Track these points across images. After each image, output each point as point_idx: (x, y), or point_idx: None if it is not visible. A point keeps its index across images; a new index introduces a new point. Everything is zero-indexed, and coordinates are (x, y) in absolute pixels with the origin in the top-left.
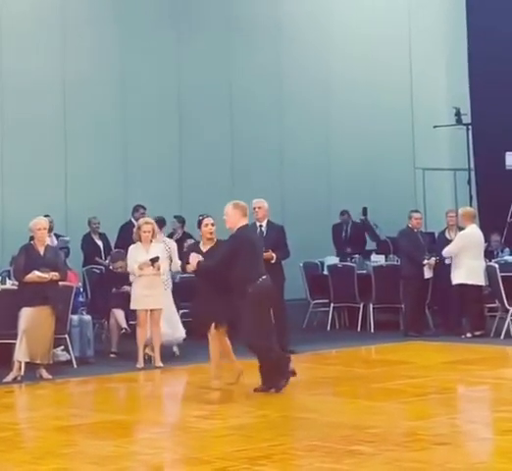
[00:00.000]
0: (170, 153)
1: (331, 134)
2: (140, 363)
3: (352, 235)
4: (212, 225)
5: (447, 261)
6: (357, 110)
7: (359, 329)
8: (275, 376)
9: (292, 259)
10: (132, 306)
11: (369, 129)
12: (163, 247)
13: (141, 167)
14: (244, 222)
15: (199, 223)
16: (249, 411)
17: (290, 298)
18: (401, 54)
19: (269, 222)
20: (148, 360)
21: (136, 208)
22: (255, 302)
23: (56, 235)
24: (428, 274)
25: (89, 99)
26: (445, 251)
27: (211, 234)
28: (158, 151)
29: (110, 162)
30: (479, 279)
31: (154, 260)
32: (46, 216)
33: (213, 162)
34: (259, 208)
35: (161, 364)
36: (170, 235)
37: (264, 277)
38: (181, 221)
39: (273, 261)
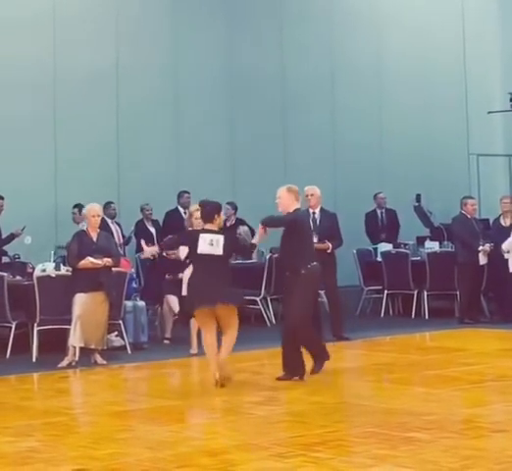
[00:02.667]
0: (221, 141)
1: (384, 121)
2: (194, 349)
3: (387, 221)
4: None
5: (506, 256)
6: (411, 97)
7: (413, 316)
8: (299, 364)
9: (345, 246)
10: (185, 292)
11: (423, 115)
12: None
13: (192, 153)
14: (297, 206)
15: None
16: (304, 398)
17: (344, 285)
18: (455, 39)
19: (322, 209)
20: (201, 346)
21: (181, 194)
22: (308, 284)
23: (117, 222)
24: (483, 260)
25: (141, 86)
26: (509, 243)
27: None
28: (211, 138)
29: (161, 149)
30: None
31: None
32: (110, 203)
33: (265, 150)
34: (311, 195)
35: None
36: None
37: (315, 263)
38: (234, 207)
39: (329, 251)
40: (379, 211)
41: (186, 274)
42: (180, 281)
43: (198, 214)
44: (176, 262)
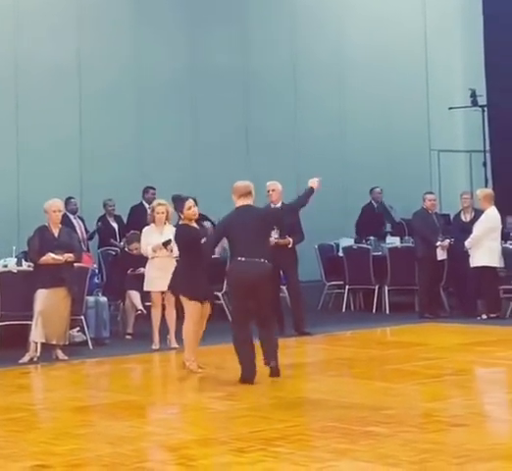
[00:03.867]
0: (184, 134)
1: (346, 113)
2: (156, 344)
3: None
4: (194, 206)
5: (469, 252)
6: (372, 91)
7: (374, 311)
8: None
9: (307, 241)
10: (146, 288)
11: (384, 110)
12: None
13: (156, 147)
14: (240, 203)
15: (180, 206)
16: (264, 392)
17: (305, 280)
18: (417, 33)
19: (283, 204)
20: (163, 341)
21: (146, 190)
22: (227, 282)
23: (80, 217)
24: (441, 255)
25: (104, 79)
26: (471, 239)
27: (195, 215)
28: (175, 132)
29: (124, 143)
30: (497, 261)
31: (166, 243)
32: (70, 198)
33: (227, 144)
34: (273, 191)
35: (176, 345)
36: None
37: (240, 258)
38: (195, 202)
39: (290, 246)
40: (375, 205)
41: (148, 269)
42: (142, 276)
43: (160, 209)
44: (138, 257)
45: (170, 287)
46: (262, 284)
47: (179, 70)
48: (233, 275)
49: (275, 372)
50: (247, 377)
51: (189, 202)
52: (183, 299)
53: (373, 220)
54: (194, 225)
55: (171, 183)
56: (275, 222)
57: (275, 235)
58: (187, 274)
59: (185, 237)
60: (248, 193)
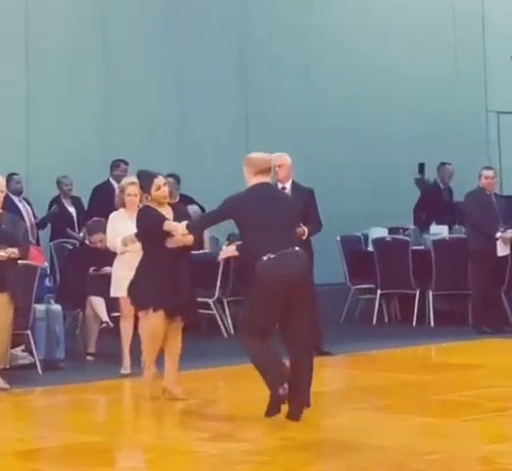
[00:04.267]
0: (164, 98)
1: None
2: (126, 368)
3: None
4: (165, 185)
5: None
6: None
7: (414, 323)
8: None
9: (326, 231)
10: (113, 293)
11: (424, 59)
12: None
13: (127, 112)
14: (256, 181)
15: (147, 184)
16: (269, 431)
17: (324, 283)
18: None
19: (294, 183)
20: (137, 363)
21: (116, 164)
22: (258, 287)
23: (25, 199)
24: (502, 250)
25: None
26: None
27: (165, 198)
28: (148, 92)
29: (87, 107)
30: None
31: None
32: (13, 174)
33: (221, 110)
34: (279, 166)
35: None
36: None
37: (272, 256)
38: (178, 181)
39: (304, 237)
40: (441, 186)
41: (116, 268)
42: (109, 277)
43: (132, 189)
44: (102, 253)
45: (128, 294)
46: (305, 280)
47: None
48: (269, 275)
49: (295, 413)
50: (280, 402)
51: (159, 180)
52: (141, 313)
53: (438, 206)
54: (169, 209)
55: (148, 157)
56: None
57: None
58: (149, 275)
59: (147, 225)
60: (269, 169)
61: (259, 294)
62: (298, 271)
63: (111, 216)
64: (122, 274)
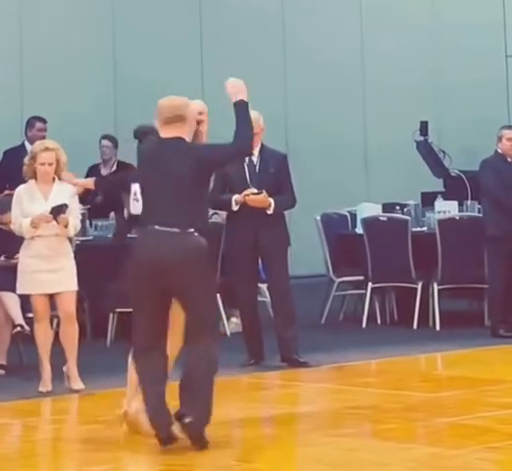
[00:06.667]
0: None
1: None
2: (46, 384)
3: None
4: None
5: None
6: None
7: (416, 325)
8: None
9: (302, 209)
10: (21, 289)
11: None
12: (72, 190)
13: (48, 54)
14: (164, 135)
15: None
16: (231, 465)
17: (300, 275)
18: None
19: (264, 148)
20: (59, 378)
21: (31, 122)
22: (129, 275)
23: None
24: None
25: None
26: None
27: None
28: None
29: None
30: None
31: (58, 210)
32: None
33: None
34: None
35: (81, 385)
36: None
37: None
38: (115, 144)
39: (269, 211)
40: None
41: (23, 257)
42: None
43: (46, 156)
44: (12, 236)
45: None
46: (182, 269)
47: None
48: (137, 253)
49: (192, 431)
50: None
51: None
52: None
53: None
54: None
55: (75, 111)
56: (216, 166)
57: (252, 190)
58: None
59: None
60: (179, 118)
61: (129, 275)
62: (171, 252)
63: (17, 190)
64: (33, 265)
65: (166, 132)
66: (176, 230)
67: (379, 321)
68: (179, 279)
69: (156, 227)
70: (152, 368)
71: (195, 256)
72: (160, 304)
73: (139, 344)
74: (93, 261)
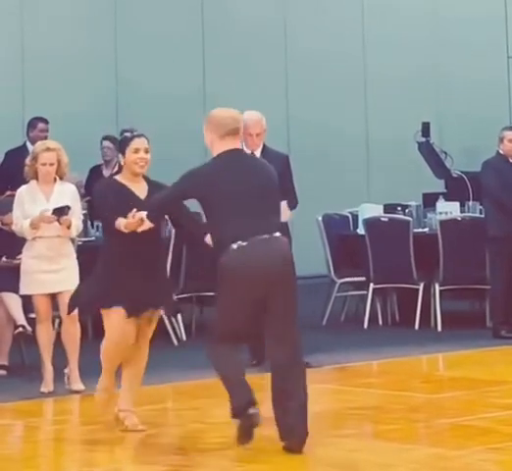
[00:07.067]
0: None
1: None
2: (47, 385)
3: None
4: (146, 151)
5: None
6: None
7: (417, 326)
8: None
9: (304, 209)
10: (23, 290)
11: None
12: (74, 191)
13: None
14: (225, 147)
15: (123, 145)
16: (234, 466)
17: (301, 275)
18: None
19: (266, 149)
20: (61, 378)
21: (33, 123)
22: (223, 281)
23: None
24: None
25: None
26: None
27: (143, 167)
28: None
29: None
30: None
31: (61, 211)
32: None
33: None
34: (258, 135)
35: (81, 386)
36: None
37: (244, 243)
38: (116, 144)
39: (286, 218)
40: None
41: (25, 258)
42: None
43: (47, 157)
44: (14, 237)
45: (77, 297)
46: (287, 274)
47: None
48: (237, 267)
49: (295, 446)
50: (251, 426)
51: (139, 142)
52: (103, 312)
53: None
54: (143, 182)
55: (76, 112)
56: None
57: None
58: (110, 267)
59: (99, 212)
60: (238, 130)
61: (226, 292)
62: (278, 262)
63: (19, 190)
64: (35, 266)
65: (230, 144)
66: (277, 234)
67: (380, 322)
68: (288, 279)
69: (265, 236)
70: (236, 358)
71: (292, 257)
72: (259, 310)
73: (227, 339)
74: (95, 262)
